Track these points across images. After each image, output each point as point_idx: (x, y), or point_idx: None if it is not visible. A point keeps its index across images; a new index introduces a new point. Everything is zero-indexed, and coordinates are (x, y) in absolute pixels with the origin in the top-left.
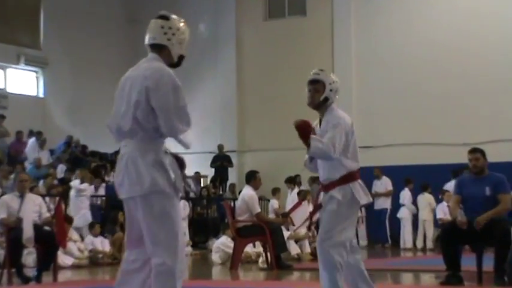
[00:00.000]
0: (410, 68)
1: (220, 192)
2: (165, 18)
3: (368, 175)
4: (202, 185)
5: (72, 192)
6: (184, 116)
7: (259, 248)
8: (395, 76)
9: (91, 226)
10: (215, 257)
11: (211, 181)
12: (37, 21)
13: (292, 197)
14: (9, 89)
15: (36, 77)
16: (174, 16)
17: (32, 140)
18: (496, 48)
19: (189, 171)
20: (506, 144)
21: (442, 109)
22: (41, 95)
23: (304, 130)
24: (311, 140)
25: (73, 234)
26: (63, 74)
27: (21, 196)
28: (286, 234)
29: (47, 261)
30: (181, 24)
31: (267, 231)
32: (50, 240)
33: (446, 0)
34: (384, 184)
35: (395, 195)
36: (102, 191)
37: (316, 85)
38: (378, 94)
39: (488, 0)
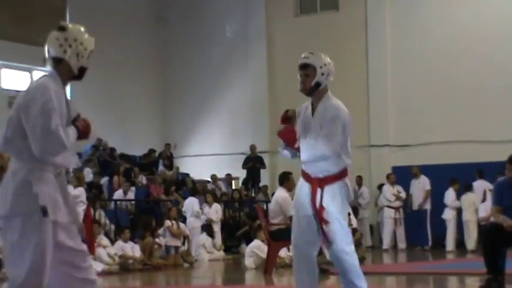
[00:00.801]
0: (448, 63)
1: (253, 194)
2: (62, 29)
3: (406, 174)
4: (233, 187)
5: None
6: (54, 140)
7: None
8: (433, 71)
9: (120, 231)
10: (248, 262)
11: (243, 183)
12: (62, 21)
13: None
14: None
15: None
16: (72, 26)
17: None
18: None
19: (221, 173)
20: None
21: (483, 105)
22: (68, 97)
23: (289, 139)
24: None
25: (102, 239)
26: (90, 75)
27: None
28: None
29: None
30: (80, 35)
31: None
32: None
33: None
34: (422, 183)
35: (436, 195)
36: (131, 195)
37: (307, 70)
38: (415, 90)
39: None
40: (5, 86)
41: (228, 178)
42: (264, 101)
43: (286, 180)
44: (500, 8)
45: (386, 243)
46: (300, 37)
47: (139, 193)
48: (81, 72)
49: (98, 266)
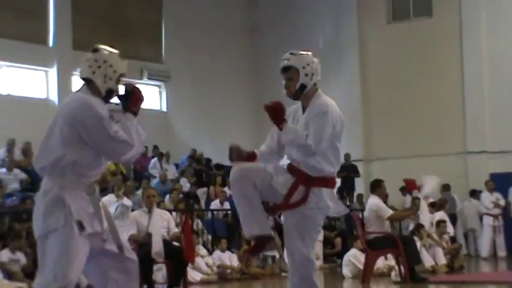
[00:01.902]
0: None
1: (348, 203)
2: (94, 51)
3: (504, 181)
4: None
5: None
6: (119, 144)
7: (391, 260)
8: None
9: (217, 241)
10: (345, 271)
11: (337, 192)
12: (159, 35)
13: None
14: None
15: (159, 91)
16: (104, 49)
17: (154, 160)
18: None
19: None
20: None
21: None
22: (164, 109)
23: (276, 113)
24: (285, 128)
25: (200, 249)
26: (185, 86)
27: (150, 211)
28: (418, 244)
29: (176, 277)
30: (111, 57)
31: (399, 242)
32: (178, 255)
33: None
34: None
35: None
36: (227, 205)
37: (288, 73)
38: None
39: None
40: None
41: None
42: (357, 109)
43: (378, 187)
44: None
45: (485, 251)
46: (392, 44)
47: None
48: (109, 94)
49: (197, 276)
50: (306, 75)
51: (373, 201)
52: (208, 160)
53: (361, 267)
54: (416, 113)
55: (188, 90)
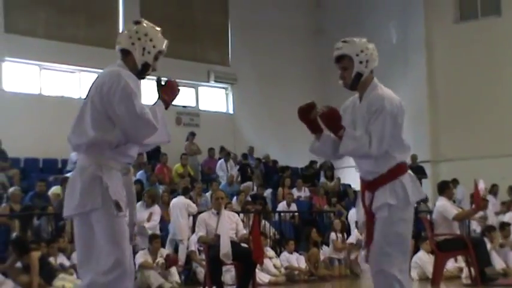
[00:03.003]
0: None
1: (415, 205)
2: (136, 23)
3: None
4: None
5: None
6: (143, 124)
7: (460, 262)
8: None
9: (285, 242)
10: (413, 273)
11: None
12: (225, 38)
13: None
14: (201, 107)
15: (226, 94)
16: (147, 22)
17: (221, 161)
18: None
19: None
20: None
21: None
22: (231, 111)
23: (331, 121)
24: (344, 136)
25: (268, 251)
26: (251, 89)
27: (218, 213)
28: (489, 246)
29: (245, 278)
30: (152, 32)
31: (470, 244)
32: (247, 257)
33: None
34: None
35: None
36: (294, 207)
37: (343, 62)
38: None
39: None
40: (173, 102)
41: None
42: (424, 110)
43: (446, 188)
44: None
45: None
46: (460, 44)
47: (302, 204)
48: (144, 69)
49: (265, 277)
50: (361, 62)
51: (441, 203)
52: (275, 162)
53: (428, 269)
54: (485, 113)
55: (254, 93)
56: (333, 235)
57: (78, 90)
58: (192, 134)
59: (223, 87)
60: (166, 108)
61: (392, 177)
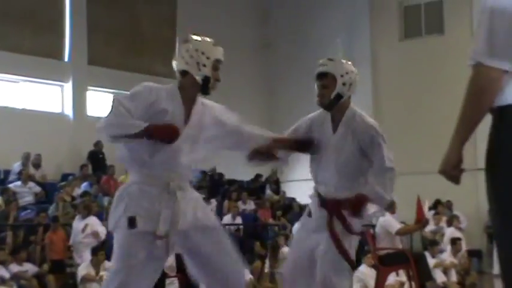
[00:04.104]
0: None
1: None
2: (184, 41)
3: None
4: None
5: None
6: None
7: (402, 276)
8: None
9: None
10: (356, 287)
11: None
12: (173, 51)
13: None
14: None
15: None
16: (195, 37)
17: None
18: None
19: None
20: None
21: None
22: None
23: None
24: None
25: None
26: None
27: None
28: (431, 262)
29: None
30: (202, 45)
31: (411, 258)
32: None
33: None
34: None
35: None
36: (239, 220)
37: (325, 80)
38: None
39: None
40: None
41: None
42: None
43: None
44: None
45: (497, 268)
46: (404, 61)
47: (248, 217)
48: (206, 82)
49: None
50: (344, 84)
51: (384, 217)
52: (221, 175)
53: (370, 283)
54: (428, 129)
55: None
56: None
57: (21, 101)
58: None
59: None
60: (144, 136)
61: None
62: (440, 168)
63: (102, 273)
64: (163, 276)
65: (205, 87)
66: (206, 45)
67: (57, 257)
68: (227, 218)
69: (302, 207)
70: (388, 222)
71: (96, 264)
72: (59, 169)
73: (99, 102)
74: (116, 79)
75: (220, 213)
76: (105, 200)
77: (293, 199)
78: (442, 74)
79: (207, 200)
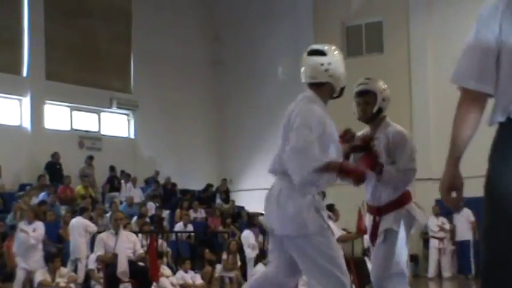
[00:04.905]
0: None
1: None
2: (323, 53)
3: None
4: None
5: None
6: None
7: None
8: None
9: (181, 261)
10: None
11: None
12: (128, 67)
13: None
14: (103, 131)
15: (128, 119)
16: (328, 49)
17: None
18: None
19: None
20: None
21: None
22: (132, 136)
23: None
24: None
25: (165, 269)
26: (152, 115)
27: (117, 233)
28: (371, 267)
29: None
30: (339, 56)
31: (352, 264)
32: (143, 275)
33: None
34: (465, 215)
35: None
36: (191, 227)
37: (366, 96)
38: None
39: None
40: (75, 127)
41: None
42: None
43: (332, 211)
44: None
45: (432, 272)
46: (347, 78)
47: (198, 225)
48: (341, 92)
49: None
50: (383, 99)
51: None
52: (174, 185)
53: None
54: None
55: (155, 120)
56: (224, 255)
57: None
58: (90, 158)
59: (125, 114)
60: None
61: (400, 205)
62: (440, 193)
63: (58, 279)
64: (117, 281)
65: (339, 96)
66: (340, 57)
67: (14, 265)
68: (179, 226)
69: (250, 216)
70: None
71: (52, 270)
72: (17, 179)
73: (57, 116)
74: (73, 93)
75: (172, 221)
76: (62, 209)
77: (242, 208)
78: None
79: (160, 209)
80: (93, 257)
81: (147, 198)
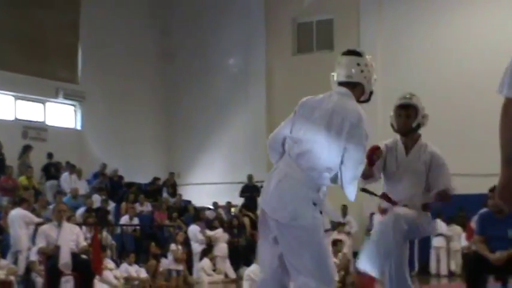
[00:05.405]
0: (431, 106)
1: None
2: (359, 54)
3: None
4: (232, 213)
5: None
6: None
7: None
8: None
9: (126, 255)
10: (245, 285)
11: (239, 211)
12: (75, 58)
13: None
14: (48, 122)
15: (74, 110)
16: (363, 51)
17: (65, 175)
18: None
19: (220, 201)
20: None
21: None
22: (79, 127)
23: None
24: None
25: (109, 262)
26: (100, 107)
27: (59, 225)
28: None
29: None
30: (371, 60)
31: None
32: (86, 267)
33: (464, 40)
34: None
35: None
36: (136, 221)
37: (409, 110)
38: None
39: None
40: (19, 117)
41: (228, 205)
42: (262, 135)
43: None
44: (476, 59)
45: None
46: (297, 74)
47: (144, 218)
48: (370, 97)
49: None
50: (423, 117)
51: None
52: (121, 177)
53: None
54: None
55: (103, 111)
56: (173, 246)
57: None
58: (27, 147)
59: (72, 104)
60: None
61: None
62: (499, 196)
63: None
64: (59, 274)
65: (368, 100)
66: (373, 63)
67: None
68: (125, 219)
69: (197, 210)
70: None
71: None
72: None
73: (2, 105)
74: (18, 82)
75: (118, 214)
76: (4, 200)
77: (189, 202)
78: (330, 87)
79: (106, 201)
80: (34, 248)
81: (93, 191)
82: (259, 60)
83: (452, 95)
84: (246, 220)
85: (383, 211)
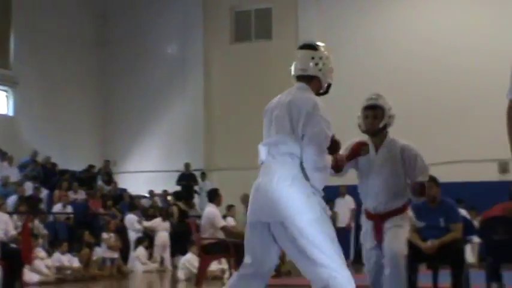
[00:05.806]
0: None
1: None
2: (314, 48)
3: (333, 193)
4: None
5: None
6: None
7: (223, 264)
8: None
9: (59, 244)
10: (180, 274)
11: (176, 199)
12: (7, 42)
13: None
14: None
15: (6, 96)
16: (319, 44)
17: None
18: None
19: (157, 189)
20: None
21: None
22: (11, 113)
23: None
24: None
25: (40, 251)
26: (33, 93)
27: None
28: None
29: (12, 278)
30: (328, 52)
31: (232, 248)
32: (15, 257)
33: (410, 28)
34: (347, 202)
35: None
36: (70, 209)
37: (375, 111)
38: (345, 118)
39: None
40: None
41: (164, 194)
42: (199, 123)
43: (216, 196)
44: (425, 45)
45: None
46: (235, 63)
47: (78, 207)
48: (328, 89)
49: (35, 277)
50: (390, 116)
51: (210, 210)
52: (54, 164)
53: (195, 270)
54: (255, 127)
55: (36, 97)
56: (104, 234)
57: None
58: None
59: (4, 90)
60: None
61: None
62: None
63: None
64: None
65: (326, 93)
66: (329, 54)
67: None
68: (58, 207)
69: (133, 198)
70: (214, 215)
71: None
72: None
73: None
74: None
75: (51, 202)
76: None
77: (124, 190)
78: (268, 76)
79: (38, 189)
80: None
81: (24, 178)
82: (196, 48)
83: (396, 85)
84: (175, 209)
85: (370, 215)
